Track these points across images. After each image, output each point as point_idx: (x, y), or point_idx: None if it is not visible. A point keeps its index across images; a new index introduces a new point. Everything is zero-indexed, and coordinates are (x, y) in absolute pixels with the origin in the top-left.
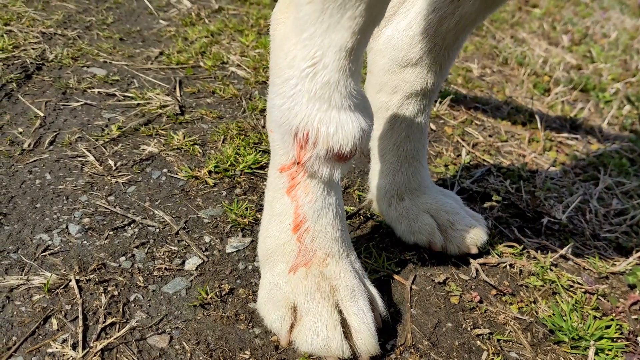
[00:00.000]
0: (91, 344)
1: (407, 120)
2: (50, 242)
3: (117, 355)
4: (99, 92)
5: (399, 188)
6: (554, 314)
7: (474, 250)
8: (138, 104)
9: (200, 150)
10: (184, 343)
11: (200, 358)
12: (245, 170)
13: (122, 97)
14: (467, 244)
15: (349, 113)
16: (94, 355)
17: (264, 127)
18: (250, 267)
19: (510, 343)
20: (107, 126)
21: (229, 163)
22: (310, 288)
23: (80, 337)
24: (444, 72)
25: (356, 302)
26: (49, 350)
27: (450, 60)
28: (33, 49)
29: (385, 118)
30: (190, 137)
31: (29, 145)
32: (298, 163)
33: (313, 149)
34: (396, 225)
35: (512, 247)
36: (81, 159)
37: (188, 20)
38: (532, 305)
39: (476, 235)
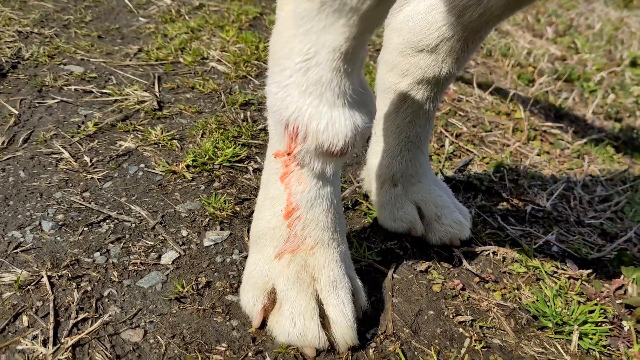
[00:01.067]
0: (62, 340)
1: (413, 106)
2: (22, 239)
3: (89, 350)
4: (75, 89)
5: (394, 173)
6: (537, 300)
7: (456, 244)
8: (115, 100)
9: (179, 145)
10: (159, 337)
11: (175, 352)
12: (224, 164)
13: (99, 94)
14: (450, 237)
15: (341, 110)
16: (65, 351)
17: (243, 120)
18: (228, 259)
19: (493, 330)
20: (83, 123)
21: (207, 157)
22: (290, 276)
23: (51, 333)
24: (461, 63)
25: (337, 293)
26: (19, 347)
27: (469, 52)
28: (8, 47)
29: (392, 99)
30: (168, 132)
31: (3, 143)
32: (289, 154)
33: (303, 143)
34: (380, 209)
35: (495, 235)
36: (56, 155)
37: (168, 17)
38: (516, 291)
39: (460, 231)
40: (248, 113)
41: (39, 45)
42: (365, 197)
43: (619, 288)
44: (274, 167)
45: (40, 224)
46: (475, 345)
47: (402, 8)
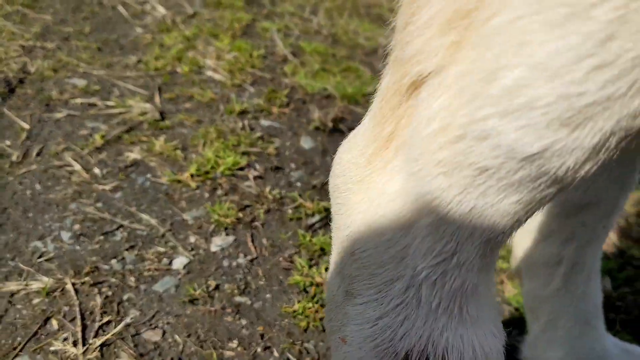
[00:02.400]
0: (90, 341)
1: (584, 272)
2: (44, 249)
3: (115, 350)
4: (81, 102)
5: (581, 359)
6: (519, 293)
7: None
8: (119, 113)
9: (182, 155)
10: (176, 336)
11: (192, 349)
12: (226, 173)
13: (104, 106)
14: None
15: (486, 327)
16: (94, 351)
17: (242, 129)
18: (234, 263)
19: None
20: (90, 135)
21: (210, 166)
22: None
23: (79, 335)
24: (628, 197)
25: None
26: (52, 348)
27: (636, 181)
28: (15, 63)
29: (556, 273)
30: (171, 142)
31: (17, 157)
32: None
33: None
34: None
35: None
36: (68, 168)
37: (164, 27)
38: (499, 286)
39: None
40: (245, 122)
41: (43, 59)
42: None
43: None
44: None
45: (59, 234)
46: None
47: None
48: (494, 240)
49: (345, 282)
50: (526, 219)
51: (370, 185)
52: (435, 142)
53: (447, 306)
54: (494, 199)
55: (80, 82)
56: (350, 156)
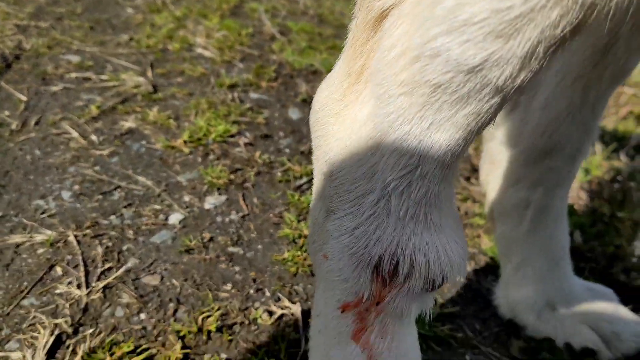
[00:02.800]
0: (93, 284)
1: (552, 216)
2: (46, 207)
3: (117, 292)
4: (76, 77)
5: (550, 297)
6: (494, 246)
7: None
8: (114, 86)
9: (175, 123)
10: (174, 280)
11: (189, 291)
12: (217, 139)
13: (98, 80)
14: (633, 351)
15: (449, 232)
16: (97, 292)
17: (232, 100)
18: (227, 219)
19: None
20: (86, 106)
21: (202, 133)
22: None
23: (83, 279)
24: (591, 142)
25: None
26: (57, 291)
27: (597, 128)
28: (10, 40)
29: (525, 216)
30: (164, 112)
31: (17, 126)
32: (377, 303)
33: (403, 285)
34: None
35: (459, 193)
36: (66, 136)
37: (154, 8)
38: (476, 239)
39: None
40: (235, 94)
41: (38, 37)
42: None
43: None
44: (339, 326)
45: (60, 193)
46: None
47: (507, 116)
48: (451, 152)
49: (325, 203)
50: (478, 132)
51: (346, 115)
52: (397, 65)
53: (413, 213)
54: (448, 113)
55: (75, 58)
56: (328, 92)
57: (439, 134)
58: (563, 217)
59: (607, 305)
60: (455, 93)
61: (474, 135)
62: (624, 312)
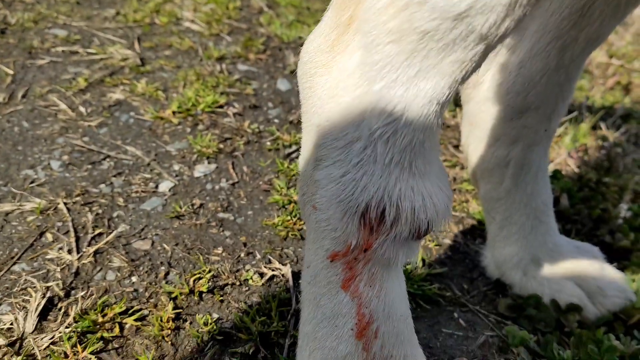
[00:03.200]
0: (84, 249)
1: (531, 172)
2: (35, 176)
3: (108, 256)
4: (62, 50)
5: (534, 252)
6: (482, 210)
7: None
8: (101, 59)
9: (163, 95)
10: (165, 245)
11: (180, 255)
12: (206, 110)
13: (85, 54)
14: (617, 308)
15: (433, 180)
16: (88, 257)
17: (220, 72)
18: (217, 187)
19: (444, 232)
20: (74, 79)
21: (190, 104)
22: None
23: (74, 244)
24: (567, 104)
25: None
26: (48, 256)
27: (573, 89)
28: None
29: (506, 174)
30: (152, 84)
31: (4, 99)
32: (365, 250)
33: (390, 231)
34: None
35: (447, 161)
36: (54, 108)
37: None
38: (465, 204)
39: (626, 299)
40: (224, 66)
41: (23, 12)
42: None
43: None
44: (329, 275)
45: (49, 163)
46: (428, 244)
47: (485, 76)
48: (436, 100)
49: (314, 153)
50: (462, 81)
51: (334, 66)
52: (385, 14)
53: (398, 160)
54: (434, 60)
55: (61, 33)
56: (316, 44)
57: (425, 81)
58: (544, 174)
59: (592, 262)
60: (442, 40)
61: (458, 84)
62: (609, 269)
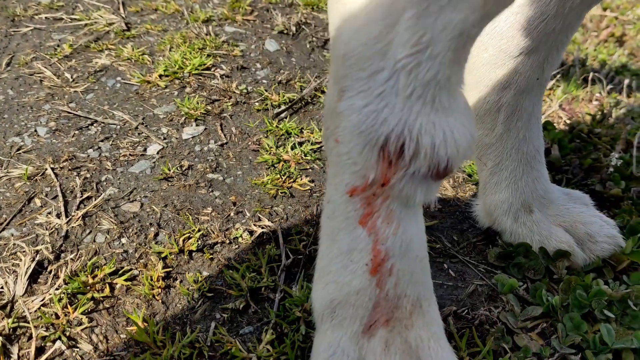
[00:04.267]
0: (73, 213)
1: (523, 118)
2: (22, 143)
3: (97, 219)
4: (46, 17)
5: (525, 198)
6: (472, 163)
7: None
8: (85, 24)
9: (150, 59)
10: (154, 206)
11: (169, 216)
12: (193, 72)
13: (69, 20)
14: (608, 254)
15: (457, 116)
16: (77, 220)
17: (207, 34)
18: (205, 148)
19: None
20: (58, 46)
21: (177, 67)
22: None
23: (62, 209)
24: (561, 55)
25: None
26: (37, 221)
27: (569, 40)
28: None
29: (498, 119)
30: (138, 48)
31: None
32: (383, 185)
33: (409, 166)
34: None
35: None
36: (39, 75)
37: None
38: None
39: (616, 244)
40: (210, 28)
41: None
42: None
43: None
44: (347, 210)
45: (35, 130)
46: None
47: None
48: (465, 34)
49: (338, 84)
50: (492, 15)
51: None
52: None
53: (420, 94)
54: None
55: (44, 0)
56: None
57: (455, 13)
58: (536, 121)
59: (582, 208)
60: None
61: (489, 19)
62: (599, 215)
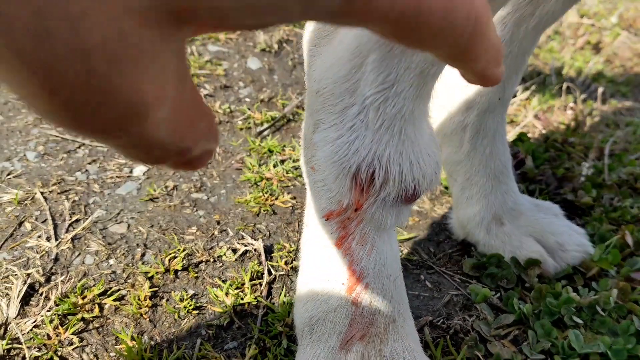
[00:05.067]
0: (62, 236)
1: (488, 135)
2: (12, 168)
3: (85, 241)
4: None
5: (495, 211)
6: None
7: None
8: None
9: None
10: (140, 227)
11: (155, 236)
12: None
13: None
14: (577, 261)
15: (423, 146)
16: (66, 243)
17: (190, 54)
18: None
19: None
20: None
21: None
22: None
23: (52, 232)
24: (520, 75)
25: None
26: (27, 245)
27: (526, 62)
28: None
29: (465, 138)
30: None
31: None
32: (356, 210)
33: (379, 193)
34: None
35: None
36: None
37: None
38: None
39: (585, 252)
40: (194, 48)
41: None
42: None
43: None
44: (324, 233)
45: (25, 155)
46: None
47: None
48: (425, 72)
49: (314, 117)
50: None
51: (334, 37)
52: None
53: (388, 126)
54: None
55: None
56: None
57: (415, 55)
58: (501, 137)
59: (552, 219)
60: None
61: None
62: (568, 224)
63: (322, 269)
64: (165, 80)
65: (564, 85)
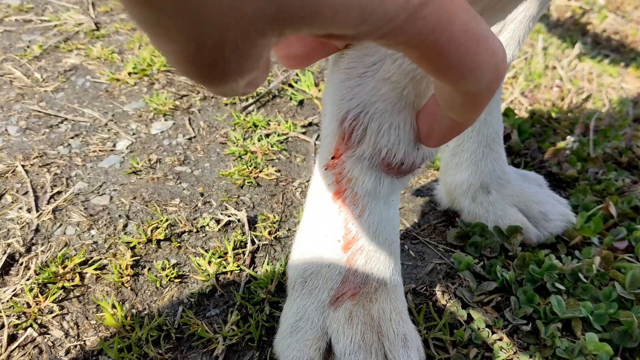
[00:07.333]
0: (43, 208)
1: None
2: None
3: (67, 213)
4: (15, 19)
5: (484, 179)
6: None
7: (566, 234)
8: (55, 25)
9: (119, 57)
10: (123, 199)
11: (138, 207)
12: (162, 69)
13: (39, 21)
14: (560, 230)
15: (412, 117)
16: (48, 214)
17: None
18: (174, 142)
19: None
20: (28, 47)
21: (146, 64)
22: (355, 338)
23: (33, 204)
24: (521, 43)
25: (407, 354)
26: (8, 217)
27: (527, 34)
28: None
29: None
30: (108, 47)
31: None
32: (333, 157)
33: (356, 147)
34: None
35: None
36: (9, 75)
37: None
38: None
39: (568, 221)
40: None
41: None
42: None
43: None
44: (325, 183)
45: (6, 129)
46: None
47: None
48: None
49: (340, 54)
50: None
51: None
52: None
53: (395, 80)
54: None
55: (14, 2)
56: None
57: None
58: (496, 105)
59: (536, 189)
60: None
61: None
62: (552, 194)
63: (321, 222)
64: (258, 65)
65: (550, 64)
